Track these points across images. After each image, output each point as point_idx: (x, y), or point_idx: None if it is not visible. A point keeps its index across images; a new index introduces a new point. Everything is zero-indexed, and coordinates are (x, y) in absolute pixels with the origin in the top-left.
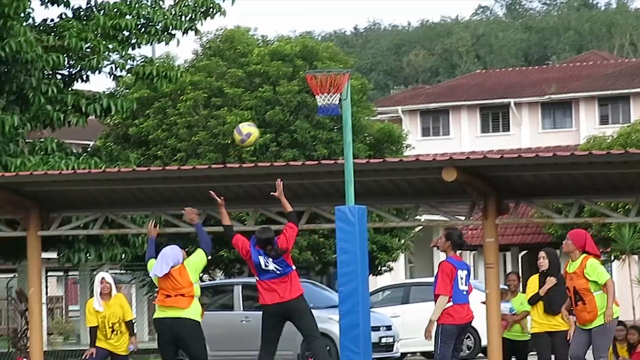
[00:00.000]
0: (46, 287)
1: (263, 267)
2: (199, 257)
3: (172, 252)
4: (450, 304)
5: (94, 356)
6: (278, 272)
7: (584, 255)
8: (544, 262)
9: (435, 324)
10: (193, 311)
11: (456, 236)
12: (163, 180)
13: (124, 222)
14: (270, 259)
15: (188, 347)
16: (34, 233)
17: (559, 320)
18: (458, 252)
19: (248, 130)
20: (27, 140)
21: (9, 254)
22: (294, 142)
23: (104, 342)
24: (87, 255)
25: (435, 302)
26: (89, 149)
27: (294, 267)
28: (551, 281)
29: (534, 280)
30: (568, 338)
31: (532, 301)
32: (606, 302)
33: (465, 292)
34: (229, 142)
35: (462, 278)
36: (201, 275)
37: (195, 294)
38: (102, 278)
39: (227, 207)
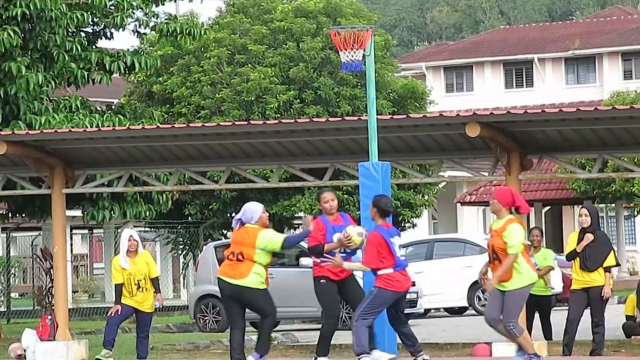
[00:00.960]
0: (71, 245)
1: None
2: (275, 238)
3: (249, 208)
4: (391, 270)
5: (119, 313)
6: None
7: (509, 217)
8: (585, 219)
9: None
10: (252, 280)
11: (382, 203)
12: (187, 138)
13: (148, 179)
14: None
15: (252, 308)
16: (58, 191)
17: (594, 276)
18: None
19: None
20: (51, 98)
21: (33, 212)
22: (318, 99)
23: (129, 299)
24: (112, 212)
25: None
26: (113, 107)
27: None
28: (588, 238)
29: (573, 236)
30: (603, 294)
31: (570, 257)
32: (515, 266)
33: (404, 258)
34: (253, 99)
35: (395, 244)
36: (225, 232)
37: (257, 260)
38: (130, 235)
39: (251, 164)
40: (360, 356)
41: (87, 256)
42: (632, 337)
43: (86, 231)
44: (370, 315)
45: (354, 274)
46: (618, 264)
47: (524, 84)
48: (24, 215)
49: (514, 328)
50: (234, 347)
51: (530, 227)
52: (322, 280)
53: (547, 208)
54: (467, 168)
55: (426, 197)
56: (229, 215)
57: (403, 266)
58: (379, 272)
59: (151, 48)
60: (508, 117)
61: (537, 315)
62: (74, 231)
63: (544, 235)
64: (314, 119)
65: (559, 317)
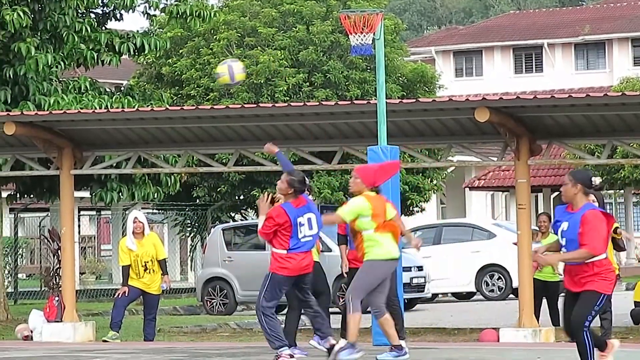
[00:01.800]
0: (79, 226)
1: None
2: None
3: None
4: (284, 252)
5: (126, 295)
6: None
7: (367, 193)
8: None
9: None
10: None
11: (297, 182)
12: (196, 120)
13: (156, 161)
14: None
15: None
16: (66, 172)
17: None
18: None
19: (240, 79)
20: (60, 79)
21: (42, 193)
22: (327, 82)
23: (136, 280)
24: (120, 194)
25: None
26: (122, 88)
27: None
28: None
29: None
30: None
31: None
32: (366, 240)
33: (307, 239)
34: (262, 81)
35: (302, 224)
36: (233, 214)
37: None
38: (135, 217)
39: (260, 147)
40: (280, 349)
41: (94, 238)
42: None
43: (94, 212)
44: (270, 301)
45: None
46: (623, 249)
47: (534, 69)
48: (32, 196)
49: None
50: (290, 330)
51: (538, 212)
52: None
53: (556, 194)
54: (475, 153)
55: (435, 182)
56: (237, 197)
57: (301, 249)
58: (273, 250)
59: (161, 30)
60: (517, 102)
61: (544, 301)
62: (81, 212)
63: (552, 221)
64: (323, 102)
65: None
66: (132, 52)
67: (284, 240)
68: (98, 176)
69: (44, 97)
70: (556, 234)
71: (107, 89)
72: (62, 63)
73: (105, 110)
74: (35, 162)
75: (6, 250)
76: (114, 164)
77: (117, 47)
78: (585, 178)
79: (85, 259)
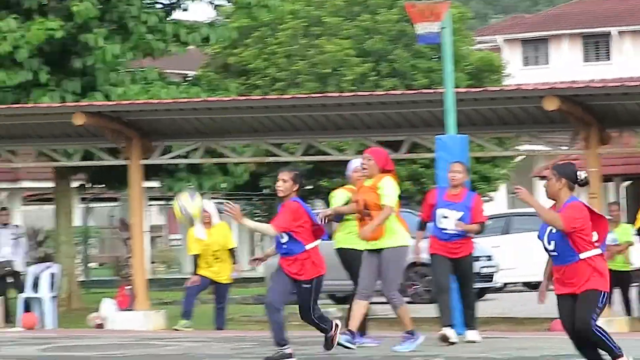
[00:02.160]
0: (148, 216)
1: None
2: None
3: None
4: None
5: (197, 284)
6: None
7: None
8: None
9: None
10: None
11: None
12: (263, 110)
13: (224, 151)
14: None
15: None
16: (136, 162)
17: None
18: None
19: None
20: (128, 70)
21: (111, 182)
22: (394, 72)
23: (206, 270)
24: (188, 184)
25: None
26: (189, 78)
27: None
28: None
29: None
30: None
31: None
32: (386, 222)
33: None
34: (328, 71)
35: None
36: None
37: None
38: (203, 207)
39: (327, 136)
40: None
41: (164, 227)
42: None
43: (163, 202)
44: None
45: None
46: None
47: (603, 57)
48: (102, 186)
49: (395, 298)
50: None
51: (609, 202)
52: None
53: (627, 183)
54: (544, 142)
55: (503, 171)
56: (304, 187)
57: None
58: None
59: (227, 20)
60: (587, 91)
61: (617, 291)
62: (151, 202)
63: (624, 210)
64: (390, 92)
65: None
66: (198, 43)
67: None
68: (167, 166)
69: (112, 88)
70: (541, 239)
71: (174, 79)
72: (129, 53)
73: (173, 101)
74: (105, 152)
75: (78, 240)
76: (183, 154)
77: (183, 38)
78: (570, 172)
79: (155, 248)
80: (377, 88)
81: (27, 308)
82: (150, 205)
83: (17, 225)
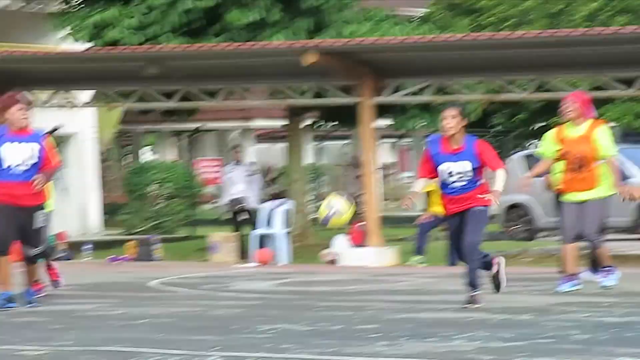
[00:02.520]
0: (380, 154)
1: None
2: None
3: None
4: None
5: (429, 221)
6: None
7: (591, 120)
8: None
9: None
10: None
11: None
12: (492, 47)
13: (456, 88)
14: None
15: None
16: (367, 100)
17: None
18: None
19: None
20: (359, 8)
21: (344, 120)
22: (626, 8)
23: (438, 207)
24: (420, 121)
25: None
26: (417, 18)
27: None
28: None
29: None
30: None
31: None
32: (600, 171)
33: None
34: (559, 8)
35: None
36: (532, 142)
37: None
38: None
39: (559, 73)
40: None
41: (395, 165)
42: None
43: (394, 140)
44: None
45: None
46: None
47: None
48: (334, 123)
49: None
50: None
51: None
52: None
53: None
54: None
55: None
56: (534, 126)
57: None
58: None
59: None
60: None
61: None
62: (382, 140)
63: None
64: (622, 28)
65: None
66: None
67: None
68: (398, 104)
69: (343, 26)
70: None
71: (402, 18)
72: None
73: (405, 38)
74: (338, 89)
75: (310, 177)
76: (414, 92)
77: None
78: None
79: (387, 186)
80: (607, 25)
81: (262, 244)
82: (382, 143)
83: (250, 163)
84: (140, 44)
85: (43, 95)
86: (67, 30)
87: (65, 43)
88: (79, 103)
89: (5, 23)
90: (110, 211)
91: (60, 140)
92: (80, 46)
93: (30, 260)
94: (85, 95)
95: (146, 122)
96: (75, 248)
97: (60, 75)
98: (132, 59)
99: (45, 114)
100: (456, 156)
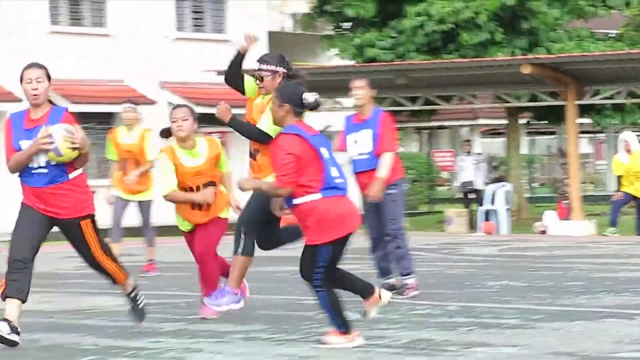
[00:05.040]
0: (580, 145)
1: None
2: None
3: None
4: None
5: (621, 199)
6: None
7: None
8: None
9: None
10: None
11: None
12: None
13: None
14: None
15: None
16: (571, 103)
17: None
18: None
19: None
20: (565, 29)
21: (552, 119)
22: None
23: (628, 187)
24: (612, 120)
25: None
26: (612, 36)
27: None
28: None
29: None
30: None
31: None
32: None
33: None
34: None
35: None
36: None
37: None
38: (624, 138)
39: None
40: None
41: (591, 155)
42: None
43: (591, 135)
44: None
45: None
46: None
47: None
48: (544, 122)
49: None
50: None
51: None
52: None
53: None
54: None
55: None
56: None
57: None
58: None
59: None
60: None
61: None
62: (581, 135)
63: None
64: None
65: None
66: (620, 6)
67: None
68: (596, 105)
69: (552, 44)
70: None
71: (600, 37)
72: (566, 16)
73: (602, 53)
74: (547, 95)
75: (525, 165)
76: (609, 96)
77: (609, 2)
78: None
79: (585, 171)
80: None
81: (487, 218)
82: (581, 137)
83: (478, 153)
84: (392, 60)
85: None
86: (336, 50)
87: (332, 61)
88: (344, 107)
89: (286, 44)
90: None
91: (329, 136)
92: (345, 62)
93: None
94: (349, 101)
95: (395, 122)
96: None
97: (329, 85)
98: (385, 72)
99: (318, 115)
100: None
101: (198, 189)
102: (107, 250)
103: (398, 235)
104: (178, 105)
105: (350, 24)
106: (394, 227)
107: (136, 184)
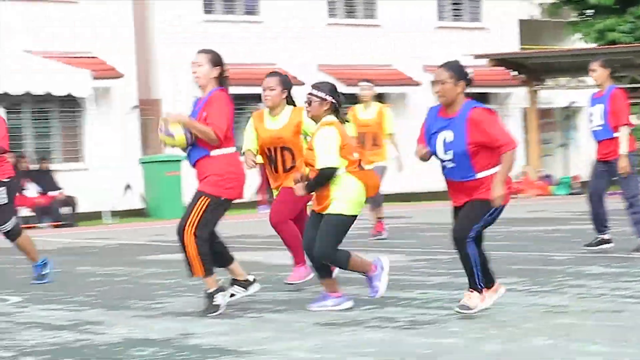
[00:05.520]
0: None
1: None
2: None
3: None
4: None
5: None
6: None
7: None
8: None
9: None
10: None
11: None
12: None
13: None
14: None
15: None
16: None
17: None
18: None
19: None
20: None
21: None
22: None
23: None
24: None
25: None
26: None
27: None
28: None
29: None
30: None
31: None
32: None
33: None
34: None
35: None
36: None
37: None
38: None
39: None
40: None
41: None
42: None
43: None
44: None
45: None
46: None
47: None
48: None
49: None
50: None
51: None
52: None
53: None
54: None
55: None
56: None
57: None
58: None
59: None
60: None
61: None
62: None
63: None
64: None
65: None
66: None
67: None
68: None
69: None
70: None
71: None
72: None
73: None
74: None
75: None
76: None
77: None
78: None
79: None
80: None
81: None
82: None
83: None
84: (631, 42)
85: (562, 80)
86: (579, 35)
87: (574, 44)
88: (587, 85)
89: (534, 30)
90: None
91: (573, 111)
92: (587, 45)
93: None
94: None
95: (633, 97)
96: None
97: (574, 66)
98: (625, 53)
99: (562, 93)
100: None
101: (276, 151)
102: None
103: (633, 203)
104: (270, 74)
105: (592, 11)
106: (628, 195)
107: (371, 155)
